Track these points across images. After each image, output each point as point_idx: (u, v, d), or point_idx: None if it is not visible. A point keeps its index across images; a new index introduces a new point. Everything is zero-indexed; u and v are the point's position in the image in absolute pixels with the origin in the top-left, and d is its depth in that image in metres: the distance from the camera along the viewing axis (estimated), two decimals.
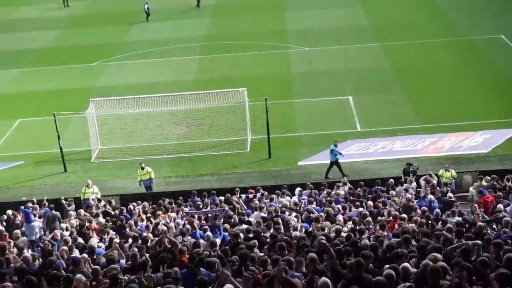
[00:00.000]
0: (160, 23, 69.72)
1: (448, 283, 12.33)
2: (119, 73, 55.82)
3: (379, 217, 23.89)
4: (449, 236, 17.88)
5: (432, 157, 36.47)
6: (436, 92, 46.53)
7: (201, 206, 27.85)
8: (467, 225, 21.13)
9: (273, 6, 72.27)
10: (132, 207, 28.52)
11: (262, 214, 25.10)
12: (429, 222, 21.93)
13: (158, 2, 75.18)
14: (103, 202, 30.63)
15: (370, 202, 26.42)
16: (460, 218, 22.57)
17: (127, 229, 24.05)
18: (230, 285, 12.99)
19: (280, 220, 23.17)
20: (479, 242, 16.51)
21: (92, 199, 31.35)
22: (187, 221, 25.24)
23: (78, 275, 15.28)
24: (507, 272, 12.73)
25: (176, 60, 57.84)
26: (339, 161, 35.39)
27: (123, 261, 19.14)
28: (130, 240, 22.01)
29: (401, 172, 32.78)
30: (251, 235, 20.84)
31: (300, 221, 24.17)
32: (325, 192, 29.36)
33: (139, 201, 30.16)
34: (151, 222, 25.22)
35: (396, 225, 21.73)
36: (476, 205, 24.90)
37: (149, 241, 21.33)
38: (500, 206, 24.12)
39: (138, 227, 24.88)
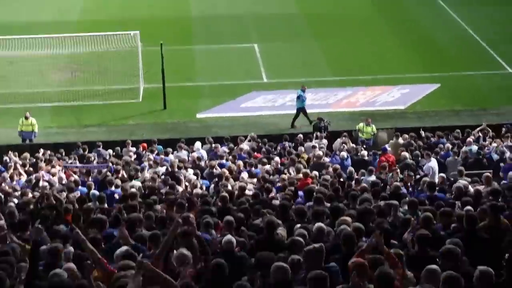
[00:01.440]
0: None
1: (364, 245, 12.51)
2: None
3: (287, 175, 24.02)
4: (367, 197, 18.14)
5: (346, 112, 36.98)
6: (351, 42, 47.08)
7: (85, 160, 27.55)
8: (382, 185, 21.57)
9: None
10: (8, 159, 27.82)
11: (160, 169, 25.03)
12: (342, 180, 22.32)
13: None
14: None
15: (277, 159, 26.50)
16: (374, 177, 22.96)
17: (2, 184, 23.43)
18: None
19: (181, 176, 23.13)
20: (395, 202, 16.85)
21: None
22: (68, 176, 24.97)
23: None
24: (426, 232, 13.06)
25: None
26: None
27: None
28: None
29: (311, 128, 33.11)
30: (146, 192, 20.71)
31: (200, 178, 24.12)
32: (226, 147, 29.33)
33: (16, 153, 29.39)
34: (31, 176, 24.64)
35: (307, 184, 21.91)
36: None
37: (28, 196, 20.83)
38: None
39: (15, 182, 24.31)
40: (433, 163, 25.76)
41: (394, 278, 10.32)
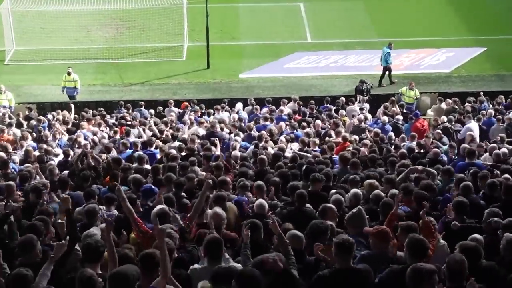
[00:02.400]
0: None
1: (401, 212, 12.64)
2: None
3: (327, 138, 24.04)
4: (406, 163, 18.15)
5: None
6: (397, 4, 46.69)
7: (128, 118, 27.79)
8: (422, 151, 21.45)
9: None
10: (51, 117, 28.21)
11: (199, 130, 25.18)
12: (382, 145, 22.27)
13: None
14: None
15: (318, 122, 26.49)
16: (415, 144, 22.77)
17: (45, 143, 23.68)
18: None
19: (217, 138, 23.23)
20: (433, 171, 16.81)
21: (4, 106, 30.81)
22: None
23: None
24: (464, 200, 13.07)
25: None
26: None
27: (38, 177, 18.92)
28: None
29: (353, 90, 33.02)
30: (184, 153, 20.83)
31: (240, 139, 24.16)
32: (267, 109, 29.34)
33: (59, 111, 29.87)
34: (72, 135, 24.92)
35: (345, 148, 21.93)
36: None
37: (70, 156, 21.10)
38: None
39: (57, 141, 24.62)
40: (472, 124, 25.50)
41: (428, 245, 10.29)
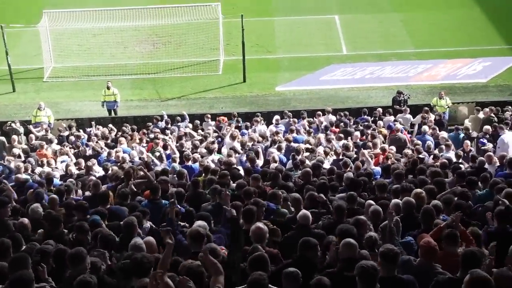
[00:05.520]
0: None
1: (442, 222, 12.45)
2: None
3: (365, 150, 23.80)
4: (438, 171, 17.97)
5: (426, 85, 36.57)
6: (431, 14, 46.51)
7: (167, 132, 27.83)
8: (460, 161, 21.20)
9: None
10: (90, 132, 28.37)
11: (235, 144, 25.10)
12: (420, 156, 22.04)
13: None
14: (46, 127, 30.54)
15: (356, 133, 26.29)
16: (453, 153, 22.53)
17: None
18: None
19: (259, 149, 23.17)
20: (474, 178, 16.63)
21: (44, 123, 30.99)
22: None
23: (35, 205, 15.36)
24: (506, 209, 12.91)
25: None
26: None
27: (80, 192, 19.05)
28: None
29: (390, 101, 32.81)
30: (223, 167, 20.75)
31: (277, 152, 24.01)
32: (305, 121, 29.20)
33: (99, 126, 30.04)
34: (111, 150, 24.97)
35: (384, 159, 21.80)
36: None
37: (109, 170, 21.16)
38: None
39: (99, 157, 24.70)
40: (506, 135, 25.05)
41: (481, 257, 10.12)
